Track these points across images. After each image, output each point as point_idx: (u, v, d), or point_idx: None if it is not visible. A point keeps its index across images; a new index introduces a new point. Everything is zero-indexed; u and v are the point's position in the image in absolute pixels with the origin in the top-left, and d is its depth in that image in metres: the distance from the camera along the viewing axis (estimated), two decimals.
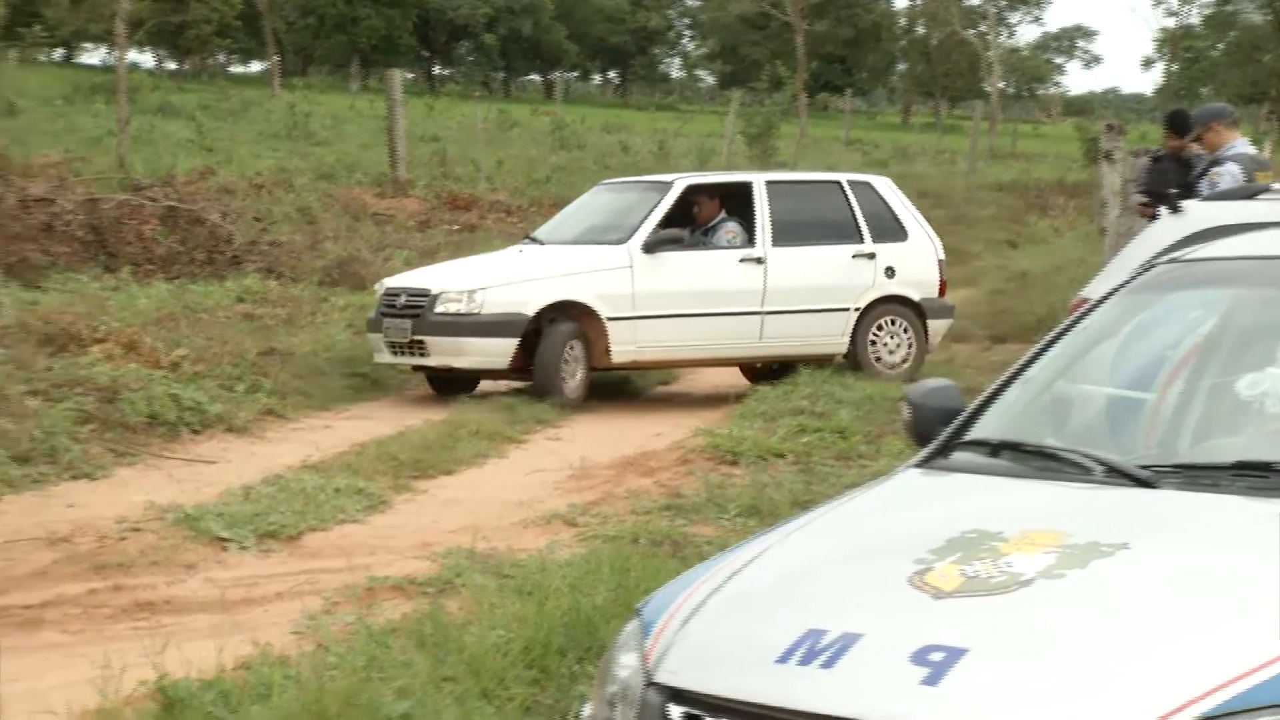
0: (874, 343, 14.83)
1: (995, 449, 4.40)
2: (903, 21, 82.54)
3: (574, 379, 13.62)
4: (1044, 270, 20.81)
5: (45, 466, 9.99)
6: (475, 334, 13.38)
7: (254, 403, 12.25)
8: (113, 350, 12.00)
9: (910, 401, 4.74)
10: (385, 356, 13.83)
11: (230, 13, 51.29)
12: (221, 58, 68.60)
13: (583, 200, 15.65)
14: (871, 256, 14.90)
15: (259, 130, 34.48)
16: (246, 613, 7.52)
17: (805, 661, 3.46)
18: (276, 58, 58.47)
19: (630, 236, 14.03)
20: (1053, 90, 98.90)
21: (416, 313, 13.51)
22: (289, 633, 7.14)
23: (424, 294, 13.61)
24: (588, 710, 3.98)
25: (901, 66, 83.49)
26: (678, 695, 3.60)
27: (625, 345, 13.79)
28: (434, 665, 5.96)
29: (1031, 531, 3.79)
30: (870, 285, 14.89)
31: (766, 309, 14.34)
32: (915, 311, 15.06)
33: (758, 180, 14.97)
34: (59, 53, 52.75)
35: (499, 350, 13.46)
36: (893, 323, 14.91)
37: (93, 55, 61.24)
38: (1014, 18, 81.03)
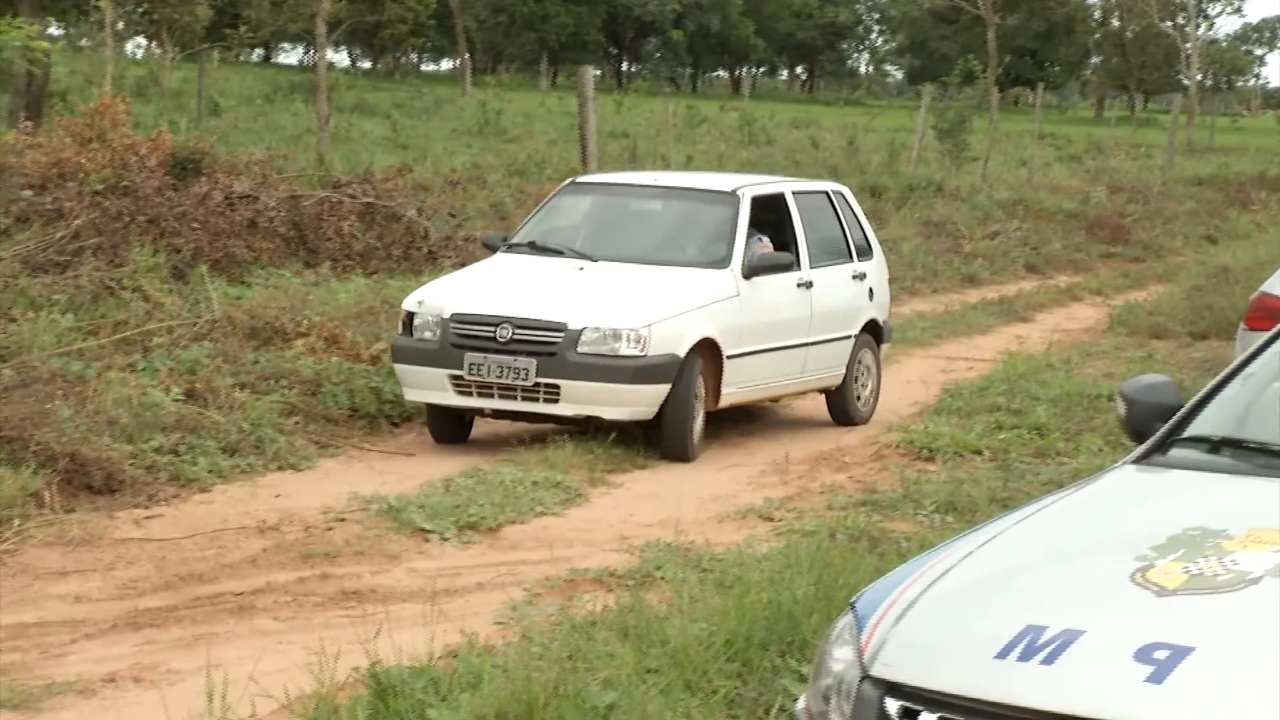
0: (857, 377, 12.94)
1: (1216, 445, 4.33)
2: (1097, 14, 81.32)
3: (697, 425, 11.39)
4: (1246, 265, 20.37)
5: (253, 457, 10.22)
6: (636, 380, 10.96)
7: None
8: (315, 344, 12.19)
9: (1125, 397, 4.68)
10: (444, 395, 11.21)
11: (424, 12, 52.02)
12: (414, 56, 69.54)
13: (572, 204, 12.93)
14: (862, 277, 13.01)
15: (452, 127, 34.95)
16: (450, 602, 7.63)
17: (1025, 658, 3.44)
18: (467, 56, 59.14)
19: (728, 258, 11.85)
20: (1252, 82, 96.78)
21: (545, 350, 10.95)
22: (492, 623, 7.25)
23: (555, 329, 11.00)
24: (801, 703, 3.98)
25: (1095, 60, 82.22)
26: (895, 689, 3.60)
27: (730, 387, 11.71)
28: (638, 657, 6.00)
29: (1258, 529, 3.73)
30: (862, 309, 13.03)
31: (812, 339, 12.38)
32: (876, 337, 13.23)
33: (788, 189, 12.87)
34: (258, 53, 53.84)
35: (653, 398, 11.10)
36: (866, 352, 13.03)
37: (290, 55, 62.42)
38: (1213, 9, 79.34)
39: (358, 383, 11.72)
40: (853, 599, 4.01)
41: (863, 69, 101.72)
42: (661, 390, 11.04)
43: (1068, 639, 3.44)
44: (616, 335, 10.98)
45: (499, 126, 34.51)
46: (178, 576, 7.99)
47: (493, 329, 11.06)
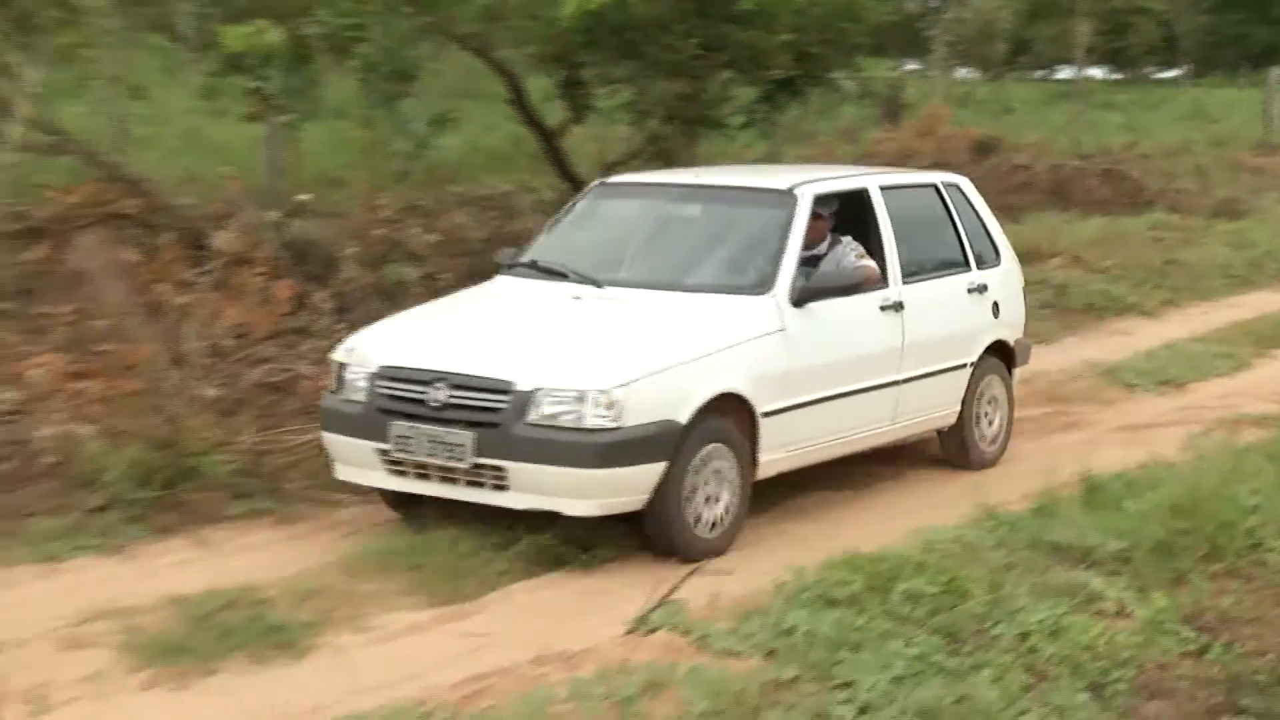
0: (978, 412, 6.72)
1: None
2: None
3: (713, 512, 5.33)
4: None
5: None
6: (605, 461, 5.03)
7: (1157, 296, 11.49)
8: (1065, 261, 11.79)
9: None
10: (375, 477, 5.39)
11: (1157, 35, 48.42)
12: (1146, 69, 64.75)
13: (601, 211, 6.47)
14: (983, 290, 6.71)
15: (1171, 116, 32.19)
16: (1147, 434, 7.20)
17: None
18: (1186, 66, 54.43)
19: (772, 281, 5.70)
20: None
21: (485, 420, 5.13)
22: (1174, 448, 6.76)
23: (497, 389, 5.14)
24: None
25: None
26: None
27: (775, 452, 5.57)
28: (1277, 473, 5.44)
29: None
30: (983, 329, 6.71)
31: (904, 375, 6.20)
32: (1006, 361, 6.89)
33: (872, 183, 6.40)
34: (1038, 72, 52.09)
35: (636, 485, 5.12)
36: (991, 381, 6.78)
37: (1064, 72, 59.76)
38: None
39: (1092, 287, 11.12)
40: None
41: None
42: (651, 472, 5.10)
43: None
44: (580, 398, 5.05)
45: (1206, 114, 31.39)
46: None
47: (423, 389, 5.25)
